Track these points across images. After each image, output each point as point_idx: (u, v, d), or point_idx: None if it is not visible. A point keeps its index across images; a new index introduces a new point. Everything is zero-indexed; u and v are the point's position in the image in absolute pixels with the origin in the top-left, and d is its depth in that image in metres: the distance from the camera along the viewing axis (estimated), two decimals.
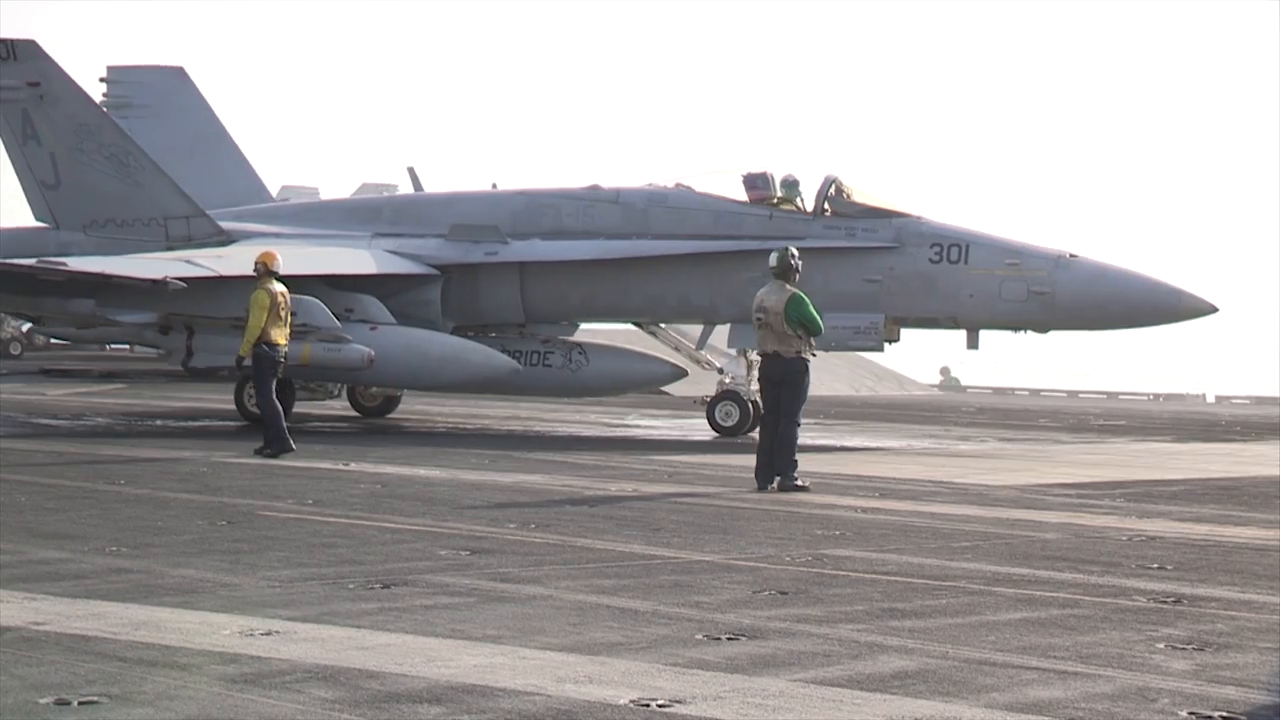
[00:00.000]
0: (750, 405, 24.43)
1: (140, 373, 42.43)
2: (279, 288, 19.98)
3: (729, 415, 24.67)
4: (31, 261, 23.88)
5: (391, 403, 27.88)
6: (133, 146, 26.83)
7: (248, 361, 20.03)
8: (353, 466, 17.90)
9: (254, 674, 7.32)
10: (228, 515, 13.24)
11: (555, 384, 25.28)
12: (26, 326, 53.44)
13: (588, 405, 30.52)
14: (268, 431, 19.38)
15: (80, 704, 6.72)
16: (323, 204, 28.74)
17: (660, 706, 6.91)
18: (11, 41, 26.61)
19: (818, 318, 17.08)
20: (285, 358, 20.14)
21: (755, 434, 24.01)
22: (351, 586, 9.84)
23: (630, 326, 27.27)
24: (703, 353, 26.03)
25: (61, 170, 26.76)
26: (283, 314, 19.90)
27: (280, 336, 19.86)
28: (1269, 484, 18.56)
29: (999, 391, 44.96)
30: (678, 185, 25.22)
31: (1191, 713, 7.07)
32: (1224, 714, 7.04)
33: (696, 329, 25.88)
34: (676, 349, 26.19)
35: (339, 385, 27.13)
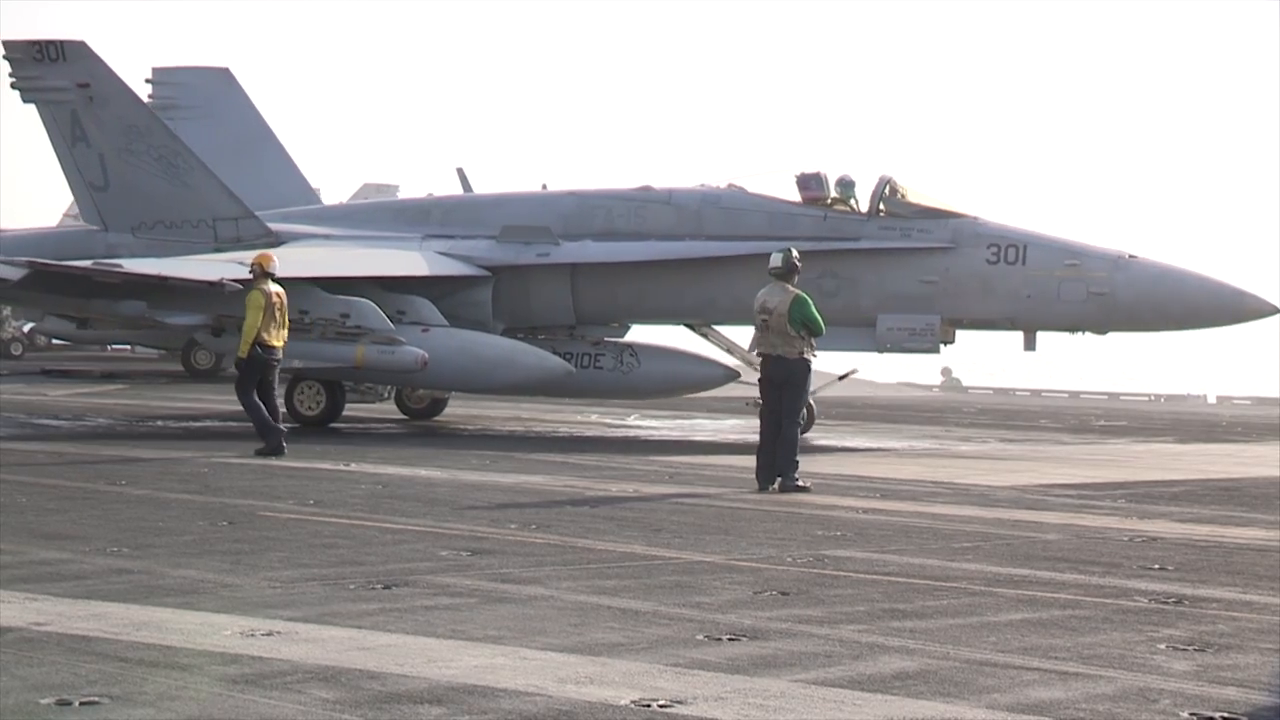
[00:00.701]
0: (805, 408, 24.28)
1: (141, 373, 42.44)
2: (274, 288, 19.97)
3: None
4: (88, 263, 23.79)
5: (438, 405, 27.57)
6: (182, 147, 26.67)
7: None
8: (353, 467, 17.91)
9: (255, 674, 7.32)
10: (229, 516, 13.24)
11: (606, 386, 25.14)
12: (28, 327, 53.51)
13: (588, 405, 30.51)
14: (260, 428, 19.43)
15: (81, 704, 6.72)
16: (371, 205, 28.54)
17: (661, 707, 6.91)
18: (61, 43, 26.43)
19: (820, 319, 17.08)
20: (279, 362, 20.09)
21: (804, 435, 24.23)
22: (352, 587, 9.84)
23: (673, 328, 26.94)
24: (755, 354, 25.80)
25: (110, 172, 26.62)
26: (278, 315, 19.89)
27: (276, 338, 19.85)
28: (1270, 485, 18.55)
29: (1000, 392, 44.95)
30: (730, 186, 25.00)
31: (1192, 713, 7.06)
32: (1225, 715, 7.04)
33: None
34: (729, 351, 25.89)
35: (389, 388, 26.89)
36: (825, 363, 25.90)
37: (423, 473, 17.44)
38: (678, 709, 6.90)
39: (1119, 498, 16.49)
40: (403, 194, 56.08)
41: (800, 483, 16.47)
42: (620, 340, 25.52)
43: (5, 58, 26.76)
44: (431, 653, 7.89)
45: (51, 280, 23.94)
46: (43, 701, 6.75)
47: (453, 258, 25.11)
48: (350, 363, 23.39)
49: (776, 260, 17.46)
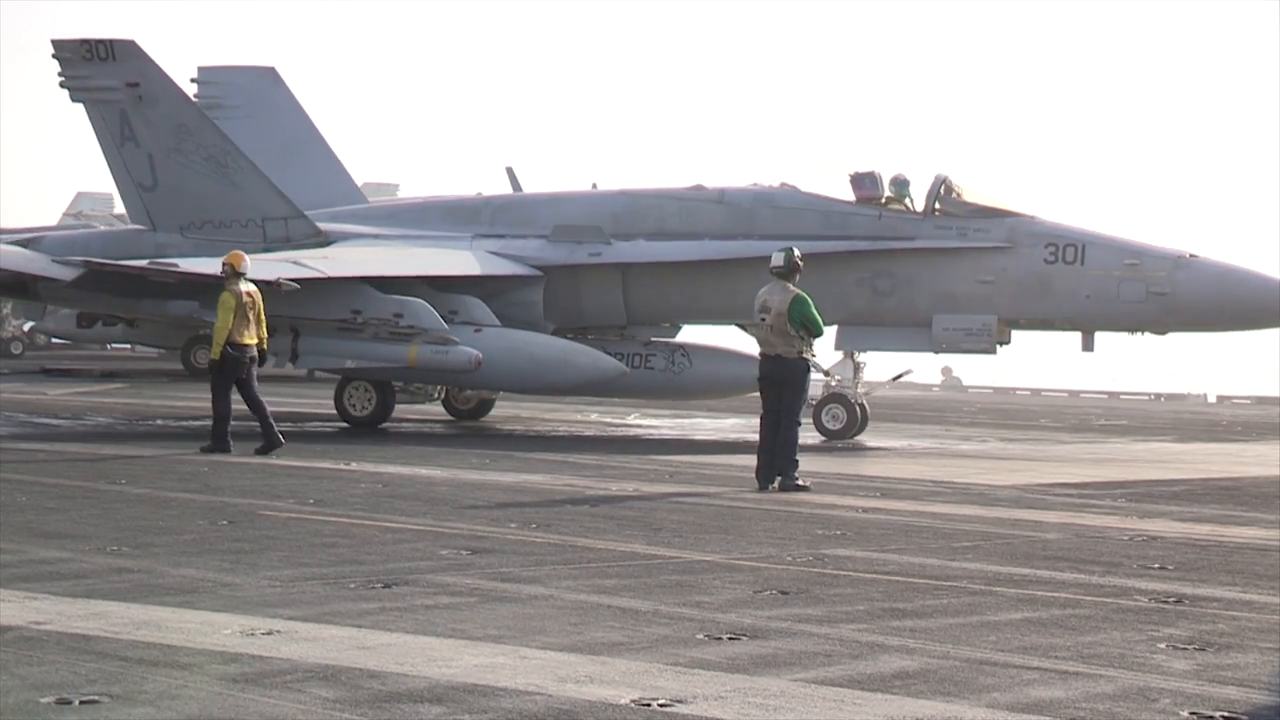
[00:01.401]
0: (858, 408, 24.14)
1: (141, 372, 42.44)
2: (246, 287, 20.00)
3: (836, 418, 24.11)
4: (144, 263, 23.66)
5: (485, 405, 27.36)
6: (231, 147, 26.47)
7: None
8: (354, 466, 17.91)
9: (255, 673, 7.33)
10: (229, 515, 13.24)
11: (658, 386, 24.92)
12: (28, 325, 53.53)
13: (588, 404, 30.51)
14: (216, 426, 19.50)
15: (81, 703, 6.72)
16: (419, 204, 28.17)
17: (661, 706, 6.91)
18: (110, 42, 26.23)
19: (819, 319, 17.09)
20: (253, 360, 20.08)
21: (859, 437, 23.99)
22: (352, 586, 9.84)
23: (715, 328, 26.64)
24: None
25: (159, 171, 26.42)
26: (250, 315, 19.90)
27: (248, 337, 19.86)
28: (1270, 484, 18.55)
29: (1000, 391, 44.93)
30: (783, 185, 24.79)
31: (1193, 713, 7.07)
32: (1225, 714, 7.04)
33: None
34: None
35: (439, 388, 26.65)
36: (882, 363, 25.92)
37: (423, 472, 17.44)
38: (678, 708, 6.90)
39: (1119, 497, 16.49)
40: (402, 193, 55.95)
41: (800, 482, 16.47)
42: (671, 340, 25.31)
43: (54, 57, 26.46)
44: (432, 652, 7.90)
45: (104, 280, 23.78)
46: (43, 700, 6.75)
47: (504, 257, 24.89)
48: (403, 363, 23.22)
49: (778, 259, 17.47)
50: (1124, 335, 23.66)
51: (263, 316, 20.13)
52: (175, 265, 23.35)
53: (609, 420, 27.66)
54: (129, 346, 53.37)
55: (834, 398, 24.39)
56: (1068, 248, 23.10)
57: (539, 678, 7.36)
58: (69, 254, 25.41)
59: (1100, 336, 23.72)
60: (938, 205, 23.77)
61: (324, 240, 26.07)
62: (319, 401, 30.85)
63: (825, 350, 25.02)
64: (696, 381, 24.90)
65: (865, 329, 24.07)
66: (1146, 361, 25.67)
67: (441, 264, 24.55)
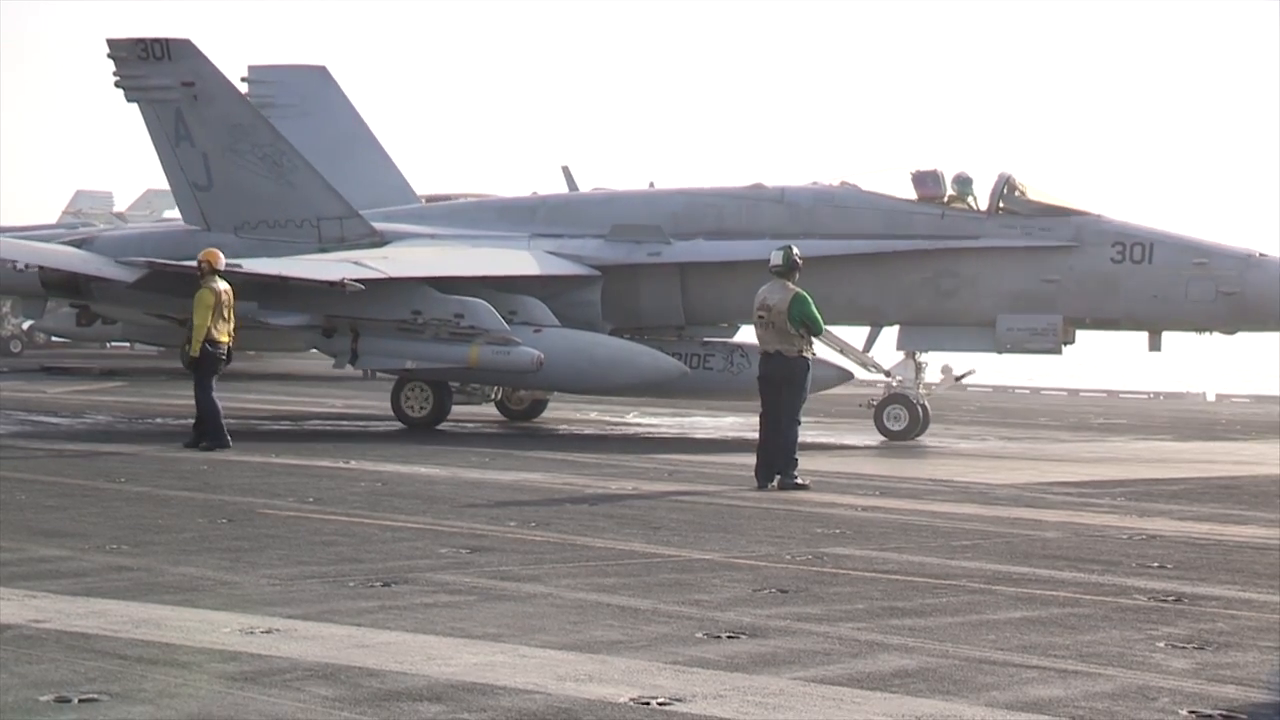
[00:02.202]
0: (920, 409, 23.99)
1: (140, 370, 42.44)
2: (222, 285, 20.04)
3: (898, 419, 23.88)
4: None
5: (538, 406, 27.12)
6: (287, 146, 26.22)
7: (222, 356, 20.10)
8: (353, 464, 17.91)
9: (254, 672, 7.33)
10: (228, 513, 13.25)
11: (716, 387, 24.63)
12: (28, 324, 53.53)
13: (588, 403, 30.50)
14: (206, 426, 19.54)
15: (80, 701, 6.72)
16: (474, 204, 28.00)
17: (660, 705, 6.91)
18: (166, 41, 25.98)
19: (819, 317, 17.09)
20: (228, 356, 20.17)
21: (920, 438, 23.80)
22: (352, 584, 9.84)
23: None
24: (869, 355, 25.17)
25: (214, 171, 26.15)
26: (226, 313, 19.96)
27: (223, 334, 19.94)
28: (1269, 483, 18.55)
29: (999, 390, 44.93)
30: (843, 184, 24.51)
31: (1192, 711, 7.07)
32: (1224, 713, 7.05)
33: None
34: (841, 351, 25.22)
35: (495, 389, 26.35)
36: (944, 363, 25.72)
37: (422, 470, 17.44)
38: (677, 707, 6.90)
39: (1118, 496, 16.49)
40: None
41: (799, 480, 16.47)
42: (730, 341, 25.04)
43: (110, 56, 26.23)
44: (431, 650, 7.90)
45: (165, 281, 23.53)
46: (42, 699, 6.75)
47: (562, 257, 24.65)
48: (464, 363, 23.07)
49: (777, 258, 17.48)
50: (1191, 335, 23.40)
51: (233, 316, 20.17)
52: (239, 265, 23.04)
53: (608, 419, 27.64)
54: (128, 345, 53.42)
55: (896, 398, 24.19)
56: (1135, 246, 22.80)
57: (538, 676, 7.37)
58: (123, 254, 25.25)
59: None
60: (1002, 204, 23.47)
61: (379, 240, 25.77)
62: (319, 401, 30.90)
63: (886, 350, 24.94)
64: (755, 382, 24.73)
65: (927, 329, 23.86)
66: (1146, 361, 25.52)
67: (501, 264, 24.29)
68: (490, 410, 27.25)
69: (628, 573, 10.64)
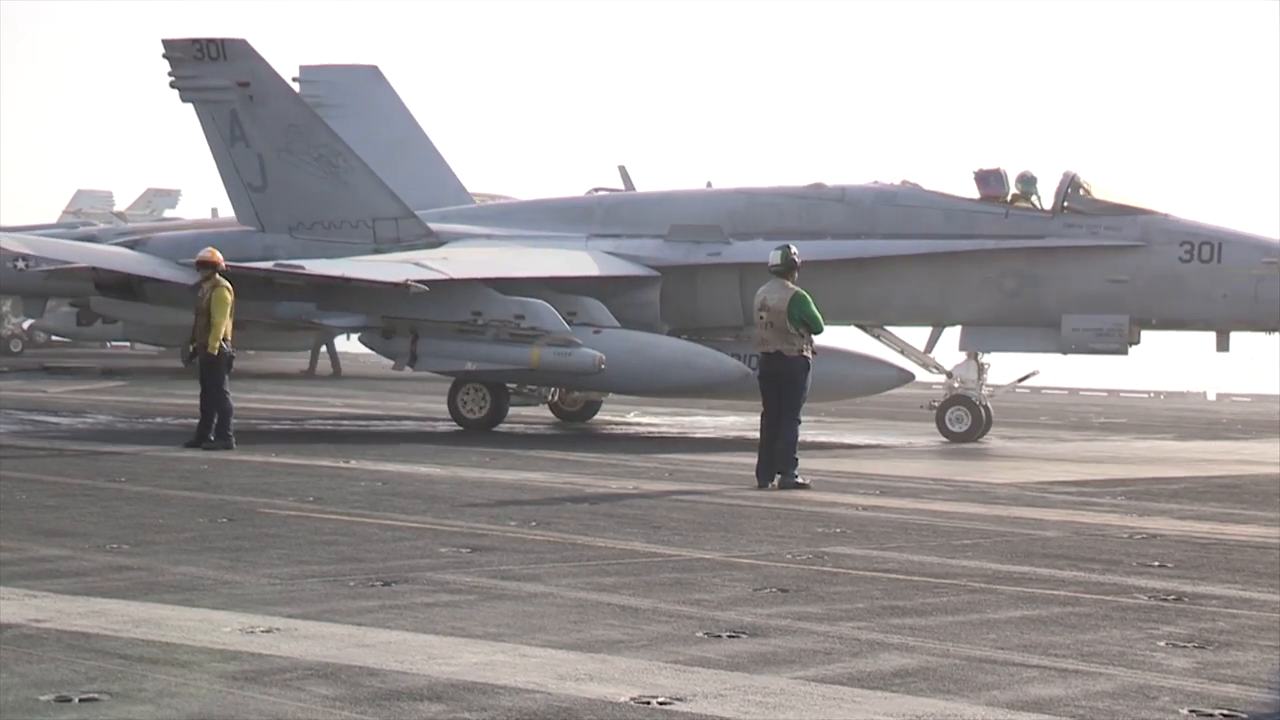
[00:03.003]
0: (983, 410, 23.86)
1: (141, 370, 42.45)
2: (225, 283, 20.13)
3: (960, 420, 23.82)
4: (270, 264, 23.45)
5: (592, 407, 27.00)
6: (342, 146, 26.07)
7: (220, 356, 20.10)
8: (353, 464, 17.91)
9: (255, 671, 7.33)
10: (228, 513, 13.25)
11: None
12: (28, 323, 53.57)
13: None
14: (218, 425, 19.58)
15: (81, 701, 6.72)
16: (529, 205, 27.59)
17: (661, 704, 6.91)
18: (222, 41, 25.86)
19: (819, 316, 17.08)
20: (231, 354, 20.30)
21: (982, 440, 23.65)
22: (352, 584, 9.84)
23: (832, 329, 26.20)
24: (930, 356, 24.98)
25: (269, 172, 26.02)
26: (231, 312, 20.08)
27: (229, 334, 20.07)
28: (1270, 482, 18.55)
29: (999, 389, 44.98)
30: (904, 183, 24.34)
31: (1192, 710, 7.07)
32: (1225, 712, 7.04)
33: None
34: (902, 351, 25.03)
35: (552, 390, 26.14)
36: (1007, 364, 25.64)
37: (422, 469, 17.44)
38: (677, 706, 6.90)
39: (1119, 495, 16.49)
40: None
41: (800, 480, 16.47)
42: None
43: (165, 57, 26.07)
44: (431, 650, 7.90)
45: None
46: (42, 698, 6.75)
47: (621, 257, 24.49)
48: (525, 365, 22.98)
49: (775, 258, 17.47)
50: (1261, 336, 23.23)
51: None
52: (301, 267, 23.12)
53: (608, 418, 27.63)
54: (129, 344, 53.45)
55: (958, 399, 24.06)
56: (1203, 246, 22.57)
57: (539, 676, 7.37)
58: (177, 256, 25.16)
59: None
60: (1066, 203, 23.25)
61: (435, 241, 25.59)
62: (319, 400, 30.91)
63: (948, 351, 24.71)
64: (815, 383, 24.18)
65: (990, 329, 23.70)
66: (1146, 360, 25.50)
67: (561, 265, 24.12)
68: (544, 412, 27.02)
69: (628, 572, 10.64)
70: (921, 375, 25.68)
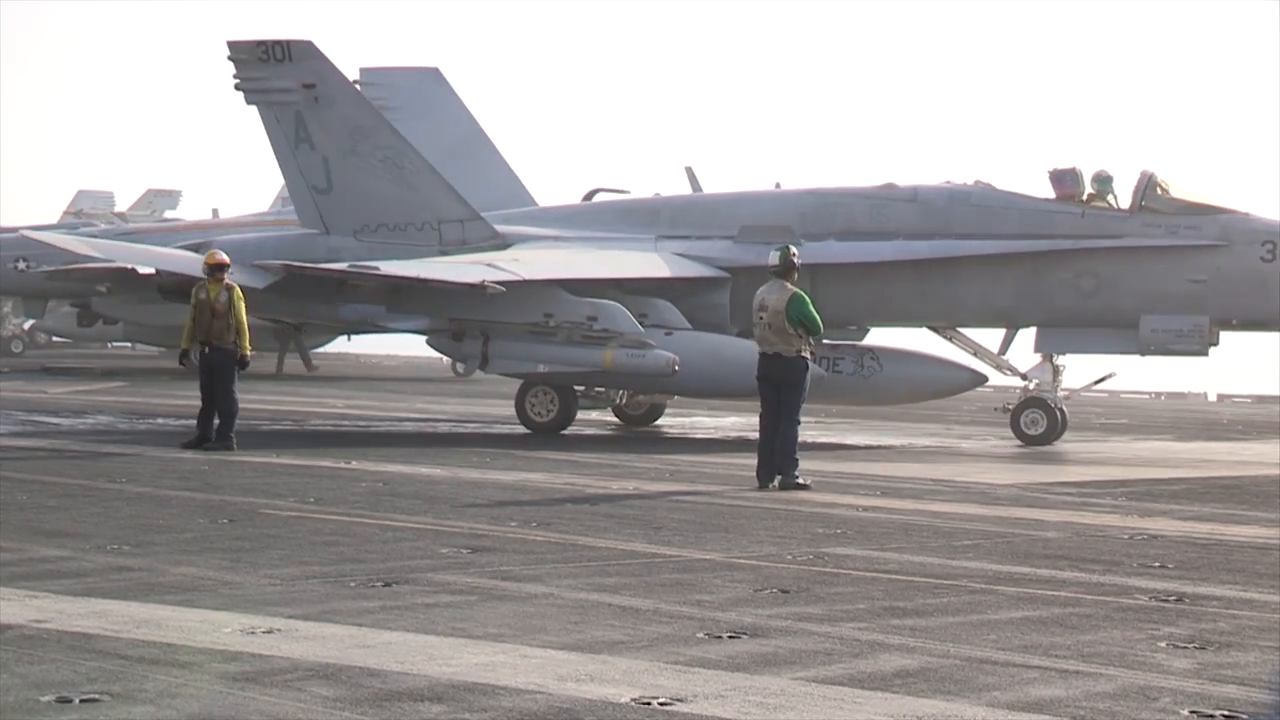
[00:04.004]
0: (1059, 413, 23.64)
1: (141, 370, 42.47)
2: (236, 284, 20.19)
3: (1035, 423, 23.61)
4: (344, 265, 23.35)
5: (656, 411, 26.80)
6: (408, 148, 25.84)
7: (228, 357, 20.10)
8: (354, 464, 17.91)
9: (255, 672, 7.33)
10: (229, 513, 13.25)
11: (846, 391, 23.93)
12: (29, 324, 53.61)
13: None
14: (224, 425, 19.63)
15: (81, 702, 6.72)
16: (595, 206, 27.32)
17: (662, 705, 6.91)
18: (287, 43, 25.63)
19: (818, 317, 17.08)
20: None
21: (1057, 443, 23.42)
22: (353, 585, 9.84)
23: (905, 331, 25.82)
24: (1005, 358, 24.72)
25: (334, 174, 25.77)
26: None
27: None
28: (1271, 483, 18.55)
29: (999, 389, 44.97)
30: (977, 183, 24.10)
31: (1193, 711, 7.07)
32: (1225, 713, 7.04)
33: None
34: (975, 353, 24.70)
35: (619, 393, 25.88)
36: (1083, 366, 25.46)
37: (423, 470, 17.44)
38: (678, 707, 6.90)
39: (1119, 495, 16.49)
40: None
41: (800, 480, 16.47)
42: (858, 344, 24.47)
43: (230, 58, 25.87)
44: (432, 650, 7.90)
45: (300, 285, 23.53)
46: (43, 699, 6.75)
47: (691, 259, 24.27)
48: (598, 367, 22.83)
49: (775, 258, 17.45)
50: None
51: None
52: (376, 268, 23.00)
53: (608, 419, 27.63)
54: (129, 345, 53.46)
55: (1032, 402, 23.86)
56: None
57: (539, 676, 7.37)
58: (241, 258, 24.81)
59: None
60: (1144, 202, 23.01)
61: (502, 243, 25.36)
62: (319, 401, 30.91)
63: (1023, 353, 24.46)
64: (887, 386, 24.01)
65: (1067, 331, 23.49)
66: (1145, 359, 25.48)
67: (632, 266, 23.92)
68: (608, 416, 26.87)
69: (629, 573, 10.64)
70: (995, 378, 25.36)
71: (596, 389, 25.14)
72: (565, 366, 23.14)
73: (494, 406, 30.12)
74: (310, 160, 25.89)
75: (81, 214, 56.71)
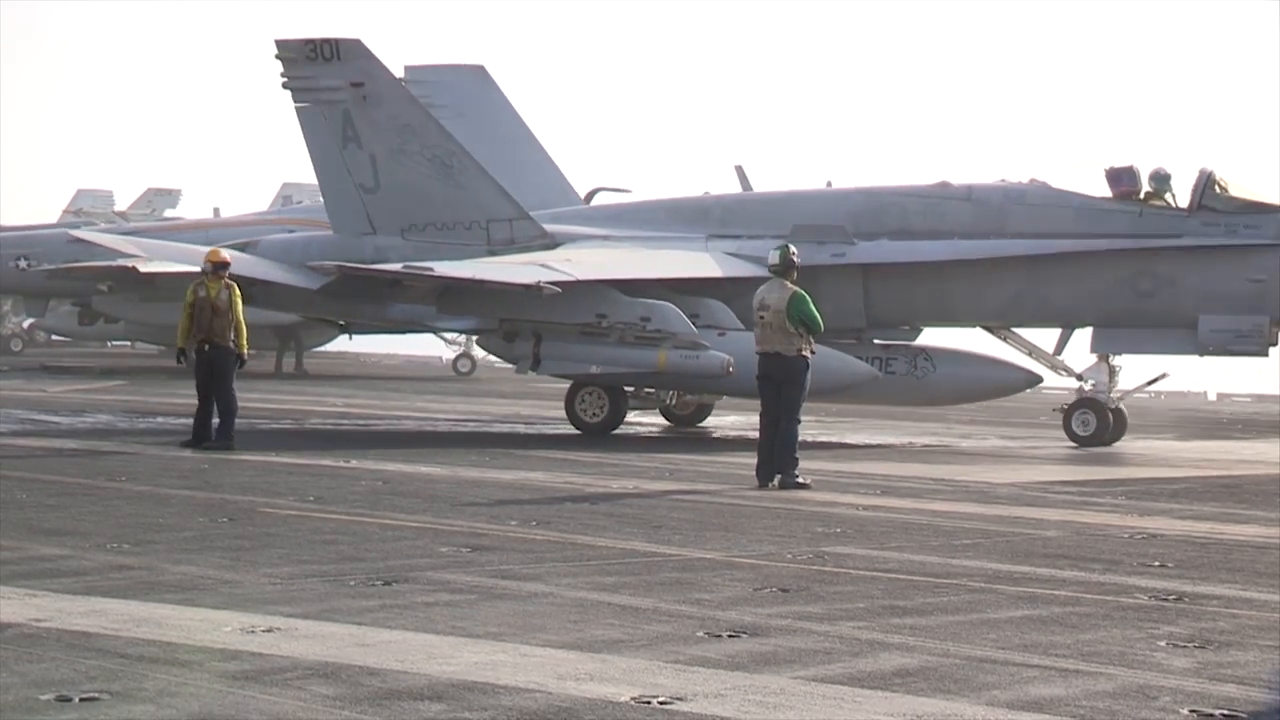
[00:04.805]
0: (1110, 414, 23.53)
1: (141, 369, 42.48)
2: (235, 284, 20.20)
3: (1086, 424, 23.52)
4: (398, 266, 23.26)
5: (703, 411, 26.70)
6: (456, 147, 25.66)
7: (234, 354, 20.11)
8: (354, 463, 17.91)
9: (255, 671, 7.33)
10: (228, 512, 13.24)
11: (899, 392, 23.84)
12: (28, 322, 53.62)
13: None
14: (225, 424, 19.64)
15: (81, 700, 6.72)
16: (644, 205, 27.02)
17: (661, 704, 6.91)
18: (336, 41, 25.46)
19: (818, 316, 17.08)
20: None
21: (1112, 444, 23.30)
22: (352, 583, 9.84)
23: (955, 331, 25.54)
24: (1060, 358, 24.53)
25: (381, 172, 25.56)
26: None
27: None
28: (1270, 482, 18.56)
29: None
30: (1033, 181, 23.87)
31: (1193, 710, 7.06)
32: (1225, 712, 7.04)
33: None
34: (1030, 354, 24.52)
35: (670, 393, 25.72)
36: (1139, 366, 25.11)
37: (423, 469, 17.45)
38: (678, 706, 6.89)
39: (1119, 495, 16.50)
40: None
41: (800, 479, 16.47)
42: (911, 344, 24.24)
43: (278, 57, 25.71)
44: (432, 649, 7.90)
45: (353, 285, 23.45)
46: (43, 698, 6.75)
47: (742, 258, 23.99)
48: (651, 368, 22.72)
49: (774, 257, 17.48)
50: None
51: None
52: (430, 269, 22.92)
53: (656, 419, 27.58)
54: (129, 343, 53.48)
55: (1085, 402, 23.76)
56: None
57: (539, 675, 7.36)
58: (288, 259, 25.11)
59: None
60: (1203, 201, 22.80)
61: (551, 242, 25.20)
62: (319, 400, 30.92)
63: (1079, 353, 24.27)
64: (941, 387, 23.91)
65: (1124, 331, 23.34)
66: (1144, 359, 25.47)
67: (684, 266, 23.75)
68: (658, 417, 26.71)
69: (628, 572, 10.64)
70: (1050, 378, 25.17)
71: (646, 390, 24.99)
72: (618, 367, 23.01)
73: (491, 405, 30.14)
74: (358, 159, 25.66)
75: (81, 213, 56.73)
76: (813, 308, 17.03)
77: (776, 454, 16.68)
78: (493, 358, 29.66)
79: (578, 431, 23.66)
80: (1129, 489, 17.12)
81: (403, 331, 31.71)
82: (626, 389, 24.23)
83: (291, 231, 34.59)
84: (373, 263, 24.06)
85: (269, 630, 8.24)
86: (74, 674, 7.18)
